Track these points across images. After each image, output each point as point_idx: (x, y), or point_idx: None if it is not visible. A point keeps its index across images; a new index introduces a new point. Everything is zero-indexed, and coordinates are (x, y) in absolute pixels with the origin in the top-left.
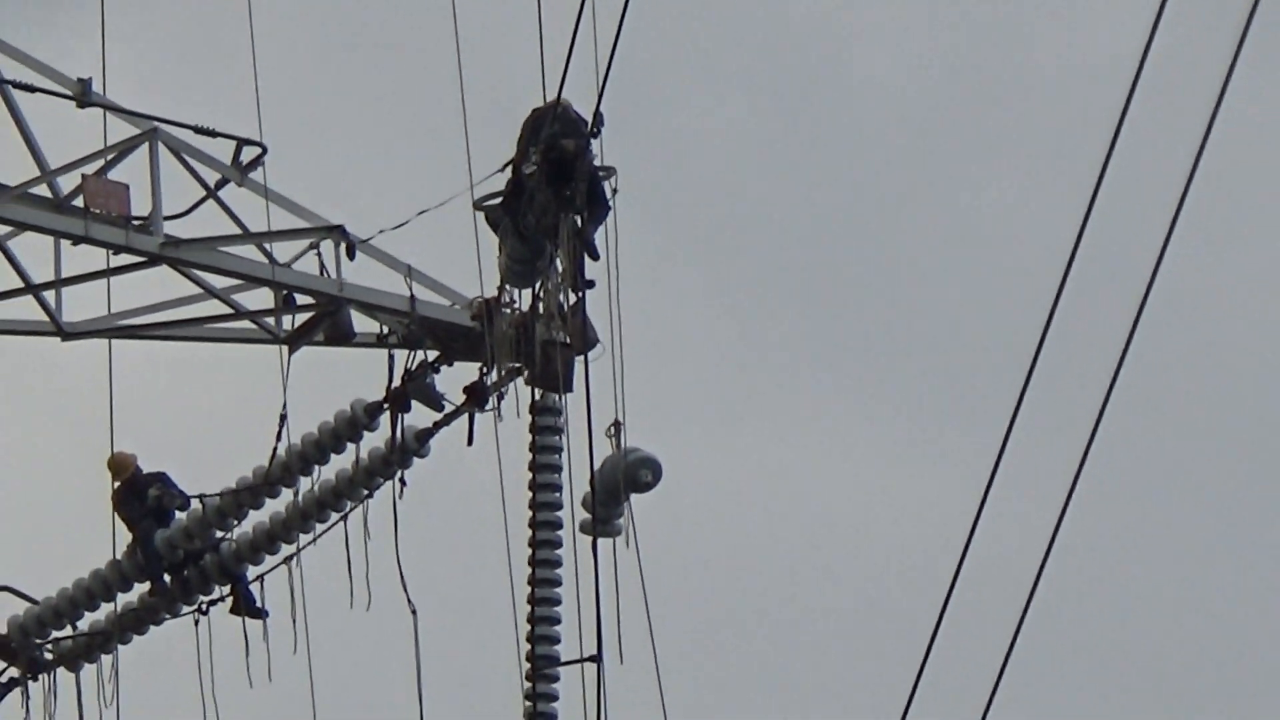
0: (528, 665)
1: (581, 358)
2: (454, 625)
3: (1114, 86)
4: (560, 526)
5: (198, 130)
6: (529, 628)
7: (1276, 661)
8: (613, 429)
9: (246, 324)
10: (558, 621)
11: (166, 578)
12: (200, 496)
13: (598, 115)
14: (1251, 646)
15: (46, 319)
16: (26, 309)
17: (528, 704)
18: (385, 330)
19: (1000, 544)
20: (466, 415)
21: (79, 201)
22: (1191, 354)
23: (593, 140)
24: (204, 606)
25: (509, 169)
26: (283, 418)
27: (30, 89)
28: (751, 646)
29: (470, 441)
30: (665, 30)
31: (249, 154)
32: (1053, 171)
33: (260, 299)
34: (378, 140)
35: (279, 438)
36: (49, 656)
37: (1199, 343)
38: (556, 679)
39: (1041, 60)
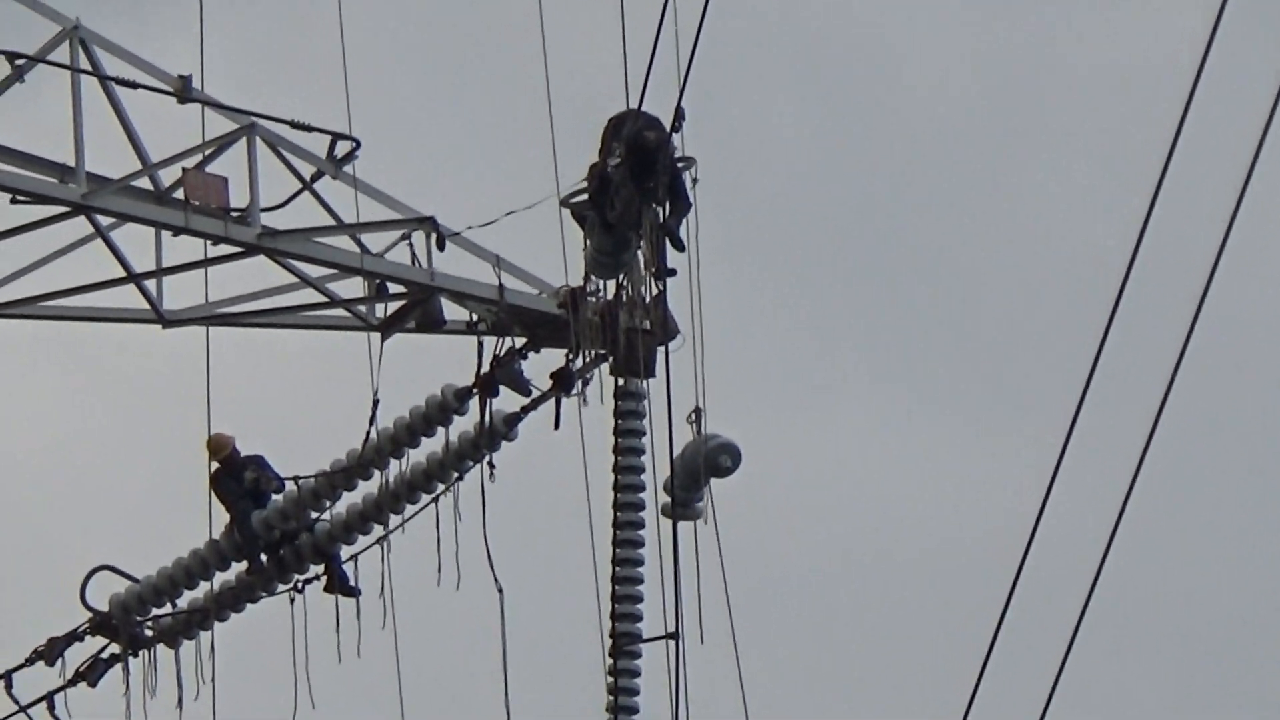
0: (610, 643)
1: (662, 347)
2: (539, 604)
3: (1168, 83)
4: (642, 508)
5: (293, 125)
6: (611, 607)
7: None
8: (694, 415)
9: (340, 312)
10: (639, 600)
11: (263, 557)
12: (295, 478)
13: (679, 110)
14: None
15: (148, 307)
16: (129, 298)
17: (610, 680)
18: (475, 318)
19: (1069, 523)
20: (553, 400)
21: (179, 194)
22: (1252, 341)
23: (674, 135)
24: (299, 585)
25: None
26: (375, 402)
27: (133, 85)
28: (827, 626)
29: (557, 426)
30: (739, 36)
31: (343, 148)
32: (1109, 166)
33: (353, 288)
34: (466, 135)
35: (372, 421)
36: (149, 633)
37: (1260, 329)
38: (638, 656)
39: (1097, 59)
